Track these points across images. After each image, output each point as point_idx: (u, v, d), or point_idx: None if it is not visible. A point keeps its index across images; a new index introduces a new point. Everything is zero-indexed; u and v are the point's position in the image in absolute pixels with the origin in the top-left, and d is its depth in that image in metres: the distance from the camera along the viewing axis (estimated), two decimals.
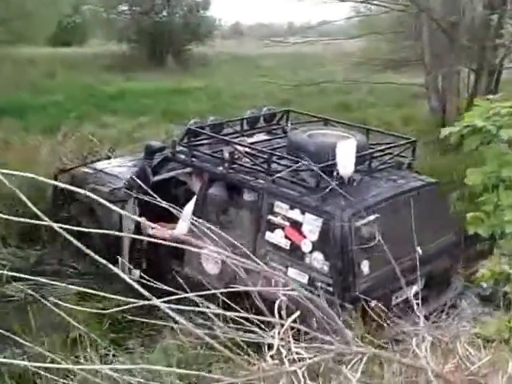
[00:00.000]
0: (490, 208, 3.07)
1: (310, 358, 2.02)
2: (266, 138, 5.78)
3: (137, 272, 5.42)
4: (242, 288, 2.82)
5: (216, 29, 23.42)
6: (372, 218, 4.40)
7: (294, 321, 2.11)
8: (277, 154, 4.93)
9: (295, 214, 4.61)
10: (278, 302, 2.22)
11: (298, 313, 2.16)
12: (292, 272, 4.61)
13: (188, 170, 6.00)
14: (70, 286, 2.65)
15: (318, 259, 4.46)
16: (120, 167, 6.48)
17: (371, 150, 4.89)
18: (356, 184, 4.60)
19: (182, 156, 5.54)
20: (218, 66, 19.09)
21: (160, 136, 9.05)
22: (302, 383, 2.00)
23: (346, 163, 4.44)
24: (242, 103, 10.75)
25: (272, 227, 4.76)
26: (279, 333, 2.03)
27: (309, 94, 11.30)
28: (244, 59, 21.10)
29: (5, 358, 4.24)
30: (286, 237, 4.68)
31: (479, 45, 8.58)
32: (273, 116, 6.18)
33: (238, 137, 5.64)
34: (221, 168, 5.17)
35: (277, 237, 4.73)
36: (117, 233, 3.16)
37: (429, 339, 2.38)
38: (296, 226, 4.60)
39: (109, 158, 7.09)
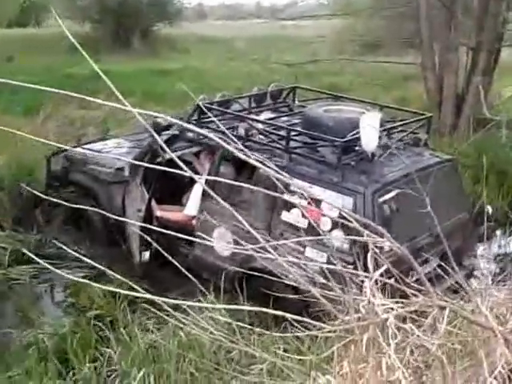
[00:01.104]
0: None
1: (397, 309, 2.21)
2: (274, 115, 5.93)
3: (147, 253, 5.58)
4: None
5: (185, 8, 23.40)
6: (393, 194, 4.60)
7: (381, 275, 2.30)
8: (296, 129, 5.08)
9: (315, 192, 4.71)
10: (369, 255, 2.39)
11: (385, 266, 2.34)
12: (310, 251, 4.75)
13: (194, 149, 6.13)
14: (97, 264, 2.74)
15: (338, 237, 4.62)
16: (119, 148, 6.51)
17: (390, 126, 5.04)
18: (377, 160, 4.80)
19: (191, 134, 5.67)
20: (188, 47, 19.09)
21: (148, 118, 9.14)
22: (391, 332, 2.19)
23: (369, 138, 4.58)
24: (229, 84, 10.85)
25: (289, 206, 4.86)
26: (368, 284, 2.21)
27: (297, 75, 11.47)
28: (214, 41, 21.15)
29: None
30: (304, 216, 4.78)
31: (478, 22, 8.90)
32: (279, 93, 6.28)
33: (246, 114, 5.77)
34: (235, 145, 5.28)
35: (294, 216, 4.86)
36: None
37: (491, 299, 2.59)
38: (315, 204, 4.76)
39: (104, 138, 7.14)
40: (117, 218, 3.84)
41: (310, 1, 22.49)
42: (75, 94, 2.18)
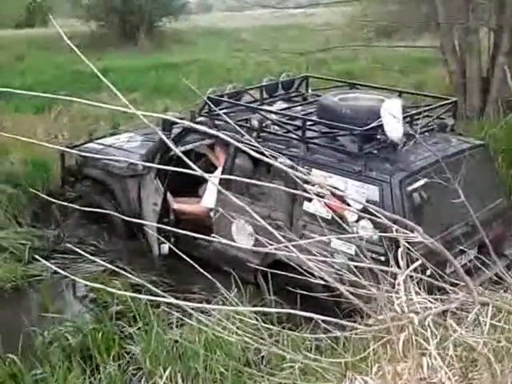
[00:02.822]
0: None
1: (435, 307, 2.10)
2: (287, 105, 5.83)
3: (166, 246, 5.62)
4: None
5: (188, 2, 23.47)
6: (422, 182, 4.48)
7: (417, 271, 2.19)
8: (312, 119, 4.97)
9: (336, 182, 4.64)
10: (400, 249, 2.28)
11: (419, 261, 2.23)
12: (336, 243, 4.65)
13: (207, 141, 6.10)
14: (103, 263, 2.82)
15: (366, 228, 4.52)
16: (131, 142, 6.62)
17: (413, 111, 4.90)
18: (401, 148, 4.67)
19: (203, 127, 5.60)
20: (195, 41, 19.14)
21: (155, 111, 9.13)
22: (429, 332, 2.08)
23: (393, 125, 4.46)
24: (239, 76, 10.79)
25: (309, 197, 4.78)
26: (403, 282, 2.10)
27: (308, 64, 11.37)
28: (220, 33, 21.14)
29: None
30: (327, 206, 4.73)
31: (498, 2, 8.71)
32: (291, 83, 6.20)
33: (259, 105, 5.69)
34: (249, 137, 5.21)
35: (316, 207, 4.77)
36: None
37: None
38: (338, 194, 4.65)
39: (114, 134, 7.23)
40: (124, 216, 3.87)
41: None
42: (76, 99, 2.20)
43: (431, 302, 2.14)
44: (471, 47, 8.92)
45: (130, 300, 4.60)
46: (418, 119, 4.95)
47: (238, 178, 3.99)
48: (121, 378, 3.81)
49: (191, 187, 6.07)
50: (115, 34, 19.34)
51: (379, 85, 6.50)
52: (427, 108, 5.09)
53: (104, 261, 5.48)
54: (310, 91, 6.17)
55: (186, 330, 4.01)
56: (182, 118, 5.75)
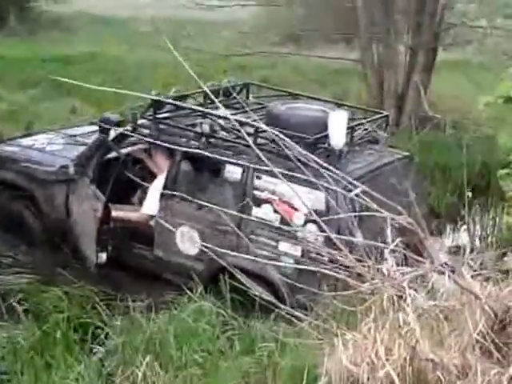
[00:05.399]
0: None
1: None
2: (229, 112, 6.83)
3: (103, 255, 6.21)
4: None
5: None
6: (361, 188, 5.71)
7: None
8: (264, 127, 6.04)
9: (285, 188, 5.61)
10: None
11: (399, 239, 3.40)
12: (283, 246, 5.69)
13: (143, 146, 6.78)
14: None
15: (312, 231, 5.58)
16: (52, 144, 7.02)
17: (353, 124, 6.13)
18: (343, 157, 5.89)
19: (146, 130, 6.33)
20: (79, 28, 19.31)
21: (62, 111, 9.74)
22: (407, 292, 3.25)
23: (338, 136, 5.69)
24: (154, 75, 11.49)
25: (259, 203, 5.80)
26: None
27: (227, 68, 12.40)
28: (108, 22, 21.36)
29: None
30: (275, 211, 5.78)
31: (415, 22, 10.44)
32: (233, 89, 7.12)
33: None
34: (196, 143, 6.09)
35: (265, 212, 5.81)
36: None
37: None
38: (286, 199, 5.73)
39: (28, 134, 7.63)
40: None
41: None
42: None
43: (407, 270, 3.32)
44: (389, 63, 10.55)
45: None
46: (356, 131, 6.22)
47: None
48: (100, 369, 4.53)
49: (124, 193, 6.73)
50: None
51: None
52: (366, 121, 6.37)
53: (24, 272, 6.19)
54: (250, 98, 7.22)
55: (157, 324, 4.83)
56: (122, 121, 6.48)
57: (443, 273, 3.36)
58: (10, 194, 6.75)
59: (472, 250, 6.22)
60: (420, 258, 3.48)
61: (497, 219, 7.42)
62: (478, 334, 3.20)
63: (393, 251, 3.45)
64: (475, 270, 3.54)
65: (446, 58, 12.69)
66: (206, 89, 5.10)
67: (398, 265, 3.51)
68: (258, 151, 4.14)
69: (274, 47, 15.69)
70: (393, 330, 3.25)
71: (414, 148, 9.04)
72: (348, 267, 3.48)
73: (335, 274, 3.54)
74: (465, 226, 7.86)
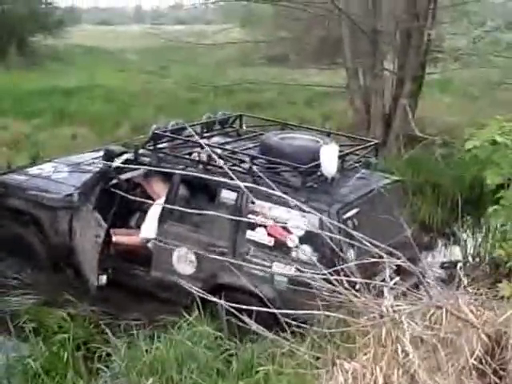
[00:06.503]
0: (509, 202, 4.59)
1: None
2: (224, 140, 6.85)
3: (103, 277, 6.23)
4: None
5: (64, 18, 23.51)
6: (355, 211, 5.69)
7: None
8: (259, 156, 6.03)
9: (279, 212, 5.67)
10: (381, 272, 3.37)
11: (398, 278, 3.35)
12: (277, 266, 5.63)
13: (142, 171, 6.72)
14: None
15: (305, 252, 5.51)
16: (57, 173, 7.07)
17: (345, 152, 6.14)
18: (335, 182, 5.87)
19: (146, 159, 6.39)
20: (73, 60, 19.45)
21: (64, 140, 9.73)
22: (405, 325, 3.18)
23: (329, 165, 5.69)
24: (147, 103, 11.57)
25: (253, 226, 5.78)
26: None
27: (216, 92, 12.45)
28: (100, 52, 21.60)
29: None
30: (270, 234, 5.75)
31: (401, 51, 10.48)
32: (227, 120, 7.27)
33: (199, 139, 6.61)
34: (193, 169, 6.11)
35: (259, 234, 5.78)
36: None
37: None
38: (280, 223, 5.71)
39: (33, 163, 7.71)
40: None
41: (198, 5, 23.09)
42: None
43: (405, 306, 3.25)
44: (376, 89, 10.55)
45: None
46: (347, 157, 6.20)
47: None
48: None
49: (123, 217, 6.73)
50: None
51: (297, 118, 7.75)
52: (355, 149, 6.36)
53: (29, 294, 6.16)
54: (244, 128, 7.24)
55: (159, 347, 4.76)
56: (125, 152, 6.58)
57: (441, 307, 3.28)
58: (18, 219, 6.77)
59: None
60: (418, 294, 3.39)
61: (489, 236, 7.23)
62: (474, 359, 3.15)
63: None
64: (470, 298, 3.46)
65: (434, 78, 12.69)
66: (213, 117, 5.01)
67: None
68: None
69: (258, 69, 15.75)
70: (391, 359, 3.17)
71: (403, 167, 9.04)
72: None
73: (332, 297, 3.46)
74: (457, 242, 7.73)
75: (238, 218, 5.61)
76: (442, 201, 8.64)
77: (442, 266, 7.41)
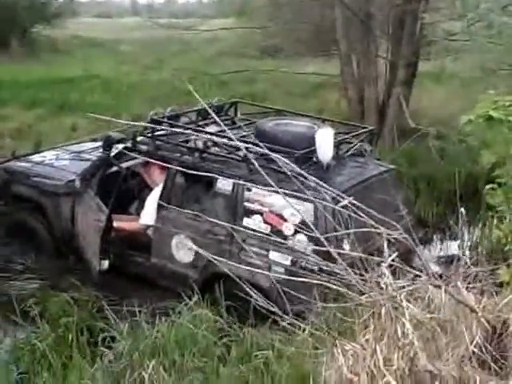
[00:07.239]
0: (506, 179, 4.44)
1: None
2: (219, 128, 6.69)
3: (105, 262, 6.13)
4: None
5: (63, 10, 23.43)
6: (349, 200, 5.54)
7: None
8: (256, 142, 5.87)
9: (275, 200, 5.53)
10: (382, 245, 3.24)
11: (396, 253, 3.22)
12: (274, 255, 5.49)
13: (141, 160, 6.72)
14: None
15: (301, 241, 5.40)
16: (59, 160, 7.01)
17: (340, 138, 6.00)
18: (331, 169, 5.73)
19: (144, 146, 6.27)
20: (73, 51, 19.35)
21: (64, 128, 9.59)
22: (404, 304, 3.07)
23: (325, 151, 5.54)
24: (145, 94, 11.43)
25: (249, 213, 5.65)
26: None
27: (210, 84, 12.31)
28: (98, 44, 21.49)
29: None
30: (266, 222, 5.61)
31: (394, 38, 10.26)
32: (222, 107, 7.09)
33: (196, 127, 6.49)
34: (190, 157, 5.99)
35: (255, 222, 5.67)
36: None
37: None
38: (276, 210, 5.59)
39: (38, 152, 7.57)
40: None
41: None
42: None
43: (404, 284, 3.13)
44: (369, 77, 10.36)
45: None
46: (342, 144, 6.07)
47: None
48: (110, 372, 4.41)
49: (123, 204, 6.63)
50: None
51: (290, 109, 7.58)
52: (351, 135, 6.21)
53: (34, 278, 6.08)
54: (239, 115, 7.08)
55: (160, 329, 4.68)
56: (123, 138, 6.45)
57: (439, 286, 3.16)
58: (22, 205, 6.73)
59: (463, 261, 6.09)
60: (416, 271, 3.26)
61: (486, 229, 7.08)
62: (474, 346, 3.03)
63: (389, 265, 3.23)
64: (469, 283, 3.34)
65: (429, 69, 12.51)
66: (206, 106, 4.93)
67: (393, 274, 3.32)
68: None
69: (252, 61, 15.59)
70: (391, 342, 3.06)
71: (398, 159, 8.88)
72: (338, 276, 3.27)
73: (327, 283, 3.33)
74: (454, 236, 7.52)
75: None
76: (436, 194, 8.47)
77: (439, 260, 7.27)
